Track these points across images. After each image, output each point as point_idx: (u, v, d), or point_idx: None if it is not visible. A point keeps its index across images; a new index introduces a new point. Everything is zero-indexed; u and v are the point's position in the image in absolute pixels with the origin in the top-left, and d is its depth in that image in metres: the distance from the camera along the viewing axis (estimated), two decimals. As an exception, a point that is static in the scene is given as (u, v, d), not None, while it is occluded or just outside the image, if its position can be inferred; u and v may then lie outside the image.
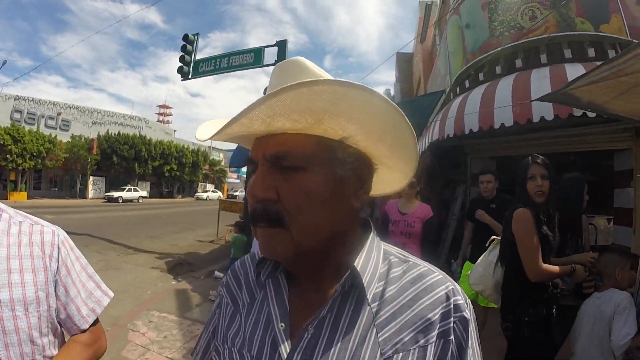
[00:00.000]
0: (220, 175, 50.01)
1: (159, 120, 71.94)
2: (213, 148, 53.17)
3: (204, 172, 44.85)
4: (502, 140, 6.69)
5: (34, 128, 27.71)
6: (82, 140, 30.29)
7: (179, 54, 10.31)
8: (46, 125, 30.83)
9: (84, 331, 1.04)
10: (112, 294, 1.14)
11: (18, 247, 0.95)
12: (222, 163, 50.80)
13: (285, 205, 0.54)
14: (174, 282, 6.32)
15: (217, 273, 6.71)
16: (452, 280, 0.60)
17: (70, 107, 34.09)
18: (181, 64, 10.44)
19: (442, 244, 8.29)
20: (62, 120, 32.81)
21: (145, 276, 6.63)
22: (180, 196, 42.16)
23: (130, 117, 40.38)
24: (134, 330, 4.13)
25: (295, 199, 0.54)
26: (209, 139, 0.58)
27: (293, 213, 0.54)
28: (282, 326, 0.58)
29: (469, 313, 0.57)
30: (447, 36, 9.25)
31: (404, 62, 20.24)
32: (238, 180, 54.54)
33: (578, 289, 2.44)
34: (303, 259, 0.58)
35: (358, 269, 0.56)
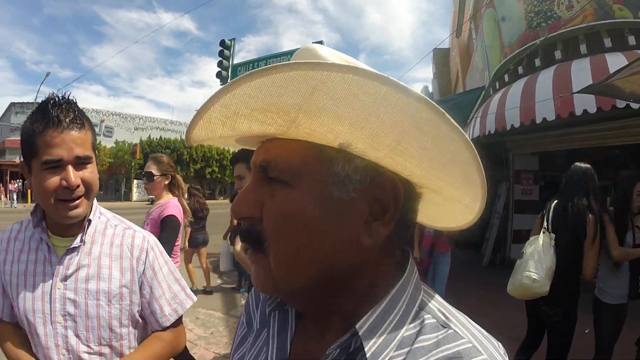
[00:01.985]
0: (262, 177, 50.96)
1: (200, 126, 74.44)
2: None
3: (244, 174, 45.93)
4: (544, 135, 6.49)
5: (79, 135, 29.74)
6: (126, 145, 32.04)
7: (214, 59, 10.48)
8: (90, 133, 33.03)
9: (165, 328, 1.14)
10: (195, 298, 1.24)
11: (110, 247, 1.08)
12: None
13: (265, 226, 0.43)
14: (219, 281, 6.60)
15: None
16: None
17: (112, 114, 36.05)
18: (219, 69, 10.55)
19: (485, 244, 8.12)
20: (105, 127, 34.60)
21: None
22: (222, 198, 43.49)
23: (171, 122, 42.12)
24: (183, 326, 4.40)
25: (274, 220, 0.42)
26: (194, 143, 0.47)
27: (271, 238, 0.43)
28: None
29: None
30: (483, 30, 9.05)
31: (440, 57, 19.81)
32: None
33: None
34: (295, 299, 0.47)
35: (360, 334, 0.42)
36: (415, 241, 4.09)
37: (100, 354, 1.04)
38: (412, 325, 0.43)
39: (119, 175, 32.80)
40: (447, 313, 0.45)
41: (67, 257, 1.03)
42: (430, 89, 23.26)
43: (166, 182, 2.52)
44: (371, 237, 0.43)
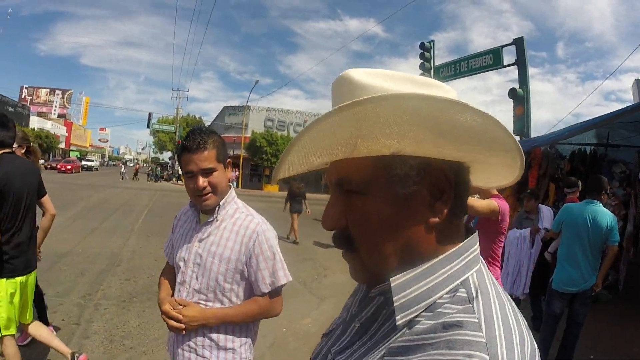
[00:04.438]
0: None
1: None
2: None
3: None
4: None
5: (285, 133, 34.40)
6: (325, 143, 36.01)
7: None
8: (294, 131, 37.29)
9: (263, 294, 1.49)
10: (290, 278, 1.53)
11: (233, 225, 1.51)
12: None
13: (351, 231, 0.54)
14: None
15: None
16: (499, 353, 0.42)
17: (314, 116, 40.06)
18: (422, 71, 11.00)
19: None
20: (307, 127, 39.70)
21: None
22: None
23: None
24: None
25: (357, 226, 0.53)
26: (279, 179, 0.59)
27: (358, 239, 0.54)
28: (354, 311, 0.63)
29: None
30: None
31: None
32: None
33: None
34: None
35: (392, 285, 0.50)
36: None
37: (206, 296, 1.47)
38: (447, 295, 0.49)
39: (320, 169, 36.81)
40: (480, 292, 0.49)
41: (204, 227, 1.53)
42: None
43: (22, 151, 2.99)
44: (436, 214, 0.52)
